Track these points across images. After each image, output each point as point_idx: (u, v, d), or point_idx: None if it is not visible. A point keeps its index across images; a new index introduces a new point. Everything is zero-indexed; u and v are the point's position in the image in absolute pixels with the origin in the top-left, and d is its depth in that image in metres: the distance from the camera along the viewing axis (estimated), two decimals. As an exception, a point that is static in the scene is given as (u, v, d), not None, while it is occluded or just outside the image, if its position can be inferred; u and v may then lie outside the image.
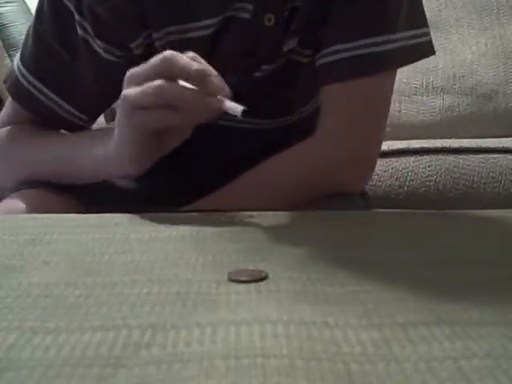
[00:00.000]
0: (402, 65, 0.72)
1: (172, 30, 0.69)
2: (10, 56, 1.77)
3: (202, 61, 0.57)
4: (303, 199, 0.72)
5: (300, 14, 0.70)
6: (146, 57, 0.68)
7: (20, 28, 1.78)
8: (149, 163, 0.63)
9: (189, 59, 0.56)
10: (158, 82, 0.55)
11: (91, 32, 0.69)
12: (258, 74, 0.74)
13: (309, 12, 0.70)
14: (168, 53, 0.56)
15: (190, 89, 0.55)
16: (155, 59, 0.56)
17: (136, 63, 0.67)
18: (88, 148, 0.69)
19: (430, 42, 0.73)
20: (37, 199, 0.71)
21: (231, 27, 0.70)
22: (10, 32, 1.79)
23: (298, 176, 0.73)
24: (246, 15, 0.69)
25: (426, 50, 0.73)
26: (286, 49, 0.72)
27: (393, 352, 0.30)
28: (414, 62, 0.72)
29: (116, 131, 0.61)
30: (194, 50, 0.72)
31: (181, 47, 0.71)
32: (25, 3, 1.87)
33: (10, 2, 1.83)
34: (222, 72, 0.75)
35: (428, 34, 0.73)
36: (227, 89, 0.56)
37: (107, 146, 0.64)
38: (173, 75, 0.55)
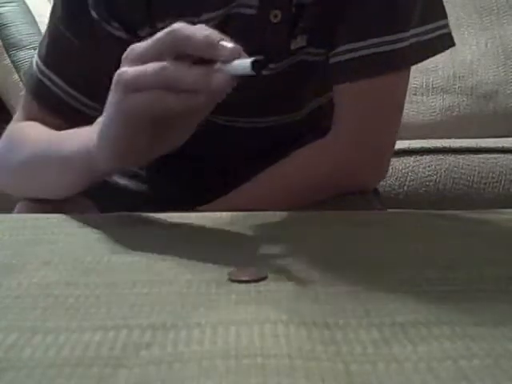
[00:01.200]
0: (416, 62, 0.72)
1: (175, 22, 0.69)
2: (9, 56, 1.77)
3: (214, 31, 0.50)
4: (318, 199, 0.72)
5: (308, 12, 0.70)
6: None
7: (20, 28, 1.78)
8: (135, 162, 0.56)
9: (197, 28, 0.49)
10: (161, 62, 0.48)
11: (105, 15, 0.69)
12: (265, 72, 0.74)
13: (317, 10, 0.70)
14: (176, 24, 0.49)
15: (196, 67, 0.48)
16: (160, 33, 0.49)
17: None
18: (68, 142, 0.62)
19: (448, 34, 0.72)
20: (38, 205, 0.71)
21: (235, 24, 0.69)
22: (10, 32, 1.79)
23: (313, 176, 0.73)
24: (251, 11, 0.69)
25: (442, 43, 0.72)
26: (294, 47, 0.72)
27: (393, 352, 0.30)
28: (429, 57, 0.71)
29: (102, 119, 0.54)
30: None
31: None
32: (25, 3, 1.87)
33: (9, 2, 1.83)
34: None
35: (446, 26, 0.71)
36: (241, 52, 0.49)
37: (86, 140, 0.57)
38: (180, 51, 0.49)
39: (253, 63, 0.45)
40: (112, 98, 0.52)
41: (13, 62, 1.74)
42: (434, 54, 0.72)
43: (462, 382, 0.27)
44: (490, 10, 1.77)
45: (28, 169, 0.71)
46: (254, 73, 0.46)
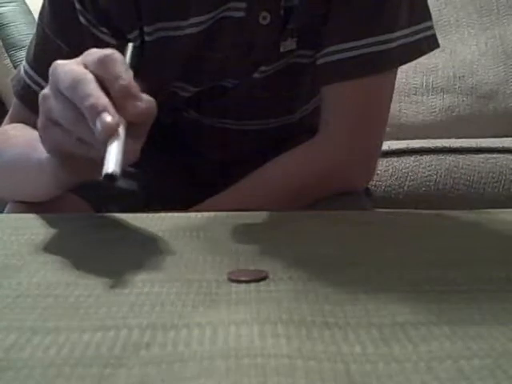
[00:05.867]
0: (403, 63, 0.72)
1: (162, 26, 0.69)
2: (9, 56, 1.77)
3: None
4: (308, 199, 0.72)
5: (297, 14, 0.70)
6: (142, 49, 0.68)
7: (20, 28, 1.78)
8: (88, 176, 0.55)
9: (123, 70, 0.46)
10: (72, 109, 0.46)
11: (93, 20, 0.69)
12: (257, 75, 0.74)
13: (306, 12, 0.70)
14: (109, 51, 0.47)
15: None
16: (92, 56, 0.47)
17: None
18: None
19: (433, 36, 0.72)
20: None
21: (224, 27, 0.70)
22: (9, 32, 1.79)
23: (303, 177, 0.73)
24: (240, 14, 0.69)
25: (428, 45, 0.72)
26: (284, 50, 0.72)
27: (393, 352, 0.30)
28: (416, 58, 0.72)
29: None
30: (184, 49, 0.72)
31: (171, 45, 0.71)
32: (25, 3, 1.87)
33: (10, 2, 1.83)
34: (220, 74, 0.75)
35: (431, 27, 0.72)
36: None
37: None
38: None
39: (106, 174, 0.42)
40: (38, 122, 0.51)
41: (13, 61, 1.74)
42: (419, 56, 0.72)
43: (461, 382, 0.27)
44: (490, 10, 1.77)
45: (7, 170, 0.70)
46: (100, 178, 0.43)
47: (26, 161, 0.63)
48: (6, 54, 1.78)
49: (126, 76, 0.46)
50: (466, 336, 0.31)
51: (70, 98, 0.46)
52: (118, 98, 0.45)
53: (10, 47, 1.78)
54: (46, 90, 0.49)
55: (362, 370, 0.28)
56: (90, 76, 0.46)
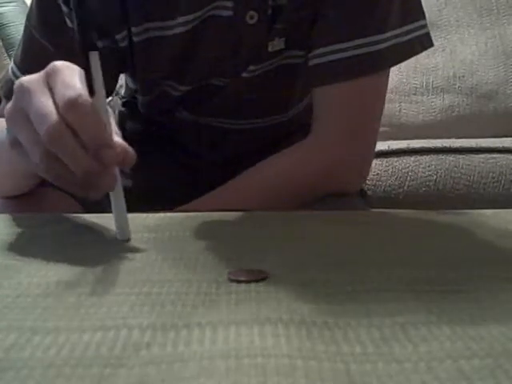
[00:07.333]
0: (395, 63, 0.72)
1: (150, 26, 0.69)
2: (9, 56, 1.77)
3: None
4: (300, 200, 0.71)
5: (285, 13, 0.70)
6: (131, 49, 0.68)
7: (20, 28, 1.78)
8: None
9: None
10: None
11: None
12: (245, 74, 0.74)
13: (294, 12, 0.70)
14: (76, 93, 0.43)
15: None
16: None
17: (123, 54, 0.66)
18: None
19: (427, 34, 0.72)
20: (37, 198, 0.71)
21: (211, 26, 0.69)
22: (9, 32, 1.79)
23: (295, 178, 0.72)
24: (228, 13, 0.69)
25: (421, 44, 0.72)
26: (272, 49, 0.72)
27: (393, 352, 0.30)
28: (409, 58, 0.72)
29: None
30: (172, 49, 0.72)
31: (160, 44, 0.71)
32: (25, 3, 1.87)
33: (9, 2, 1.83)
34: (208, 73, 0.75)
35: (424, 26, 0.72)
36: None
37: None
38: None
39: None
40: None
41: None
42: (413, 55, 0.72)
43: (461, 382, 0.27)
44: (490, 10, 1.77)
45: None
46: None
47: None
48: (5, 54, 1.79)
49: (96, 128, 0.44)
50: (466, 336, 0.31)
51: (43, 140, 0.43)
52: (90, 148, 0.44)
53: (10, 47, 1.78)
54: (10, 108, 0.47)
55: (362, 369, 0.28)
56: (63, 126, 0.43)
